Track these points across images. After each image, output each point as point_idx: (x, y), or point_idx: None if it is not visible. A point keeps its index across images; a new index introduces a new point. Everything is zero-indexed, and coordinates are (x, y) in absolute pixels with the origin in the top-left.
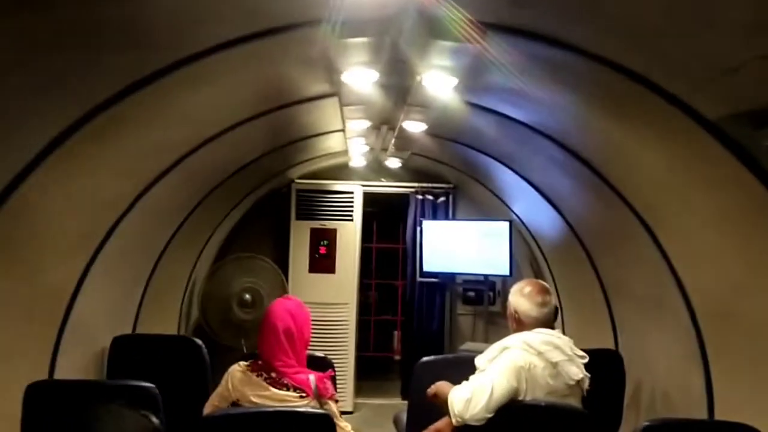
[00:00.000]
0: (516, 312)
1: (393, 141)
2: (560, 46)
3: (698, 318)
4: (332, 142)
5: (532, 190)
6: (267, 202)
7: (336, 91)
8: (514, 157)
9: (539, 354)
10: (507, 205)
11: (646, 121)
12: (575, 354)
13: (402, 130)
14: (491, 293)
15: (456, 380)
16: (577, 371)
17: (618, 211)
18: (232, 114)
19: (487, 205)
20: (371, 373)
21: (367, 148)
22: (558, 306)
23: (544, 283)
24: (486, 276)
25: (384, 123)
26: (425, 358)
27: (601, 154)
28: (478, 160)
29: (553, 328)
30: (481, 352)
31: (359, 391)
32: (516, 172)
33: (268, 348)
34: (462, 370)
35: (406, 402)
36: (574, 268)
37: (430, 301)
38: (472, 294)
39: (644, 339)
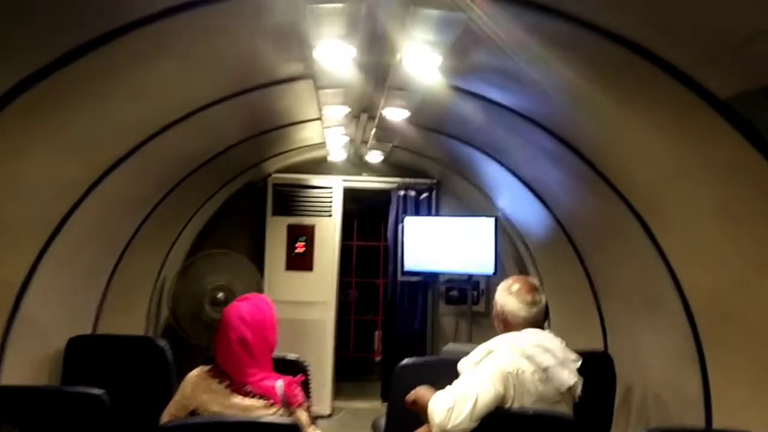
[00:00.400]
0: (503, 311)
1: (373, 132)
2: (559, 16)
3: (695, 317)
4: (309, 133)
5: (519, 184)
6: (242, 196)
7: (310, 73)
8: (502, 149)
9: (528, 357)
10: (492, 201)
11: (650, 100)
12: (567, 357)
13: (383, 119)
14: (475, 293)
15: (438, 384)
16: (569, 376)
17: (611, 205)
18: (197, 94)
19: (471, 200)
20: (351, 374)
21: (347, 139)
22: (548, 305)
23: (534, 280)
24: (470, 275)
25: (363, 111)
26: (406, 361)
27: (595, 144)
28: (462, 152)
29: (543, 328)
30: (464, 354)
31: (338, 393)
32: (503, 165)
33: (224, 361)
34: (445, 373)
35: (386, 405)
36: (562, 266)
37: (412, 301)
38: (455, 293)
39: (636, 340)
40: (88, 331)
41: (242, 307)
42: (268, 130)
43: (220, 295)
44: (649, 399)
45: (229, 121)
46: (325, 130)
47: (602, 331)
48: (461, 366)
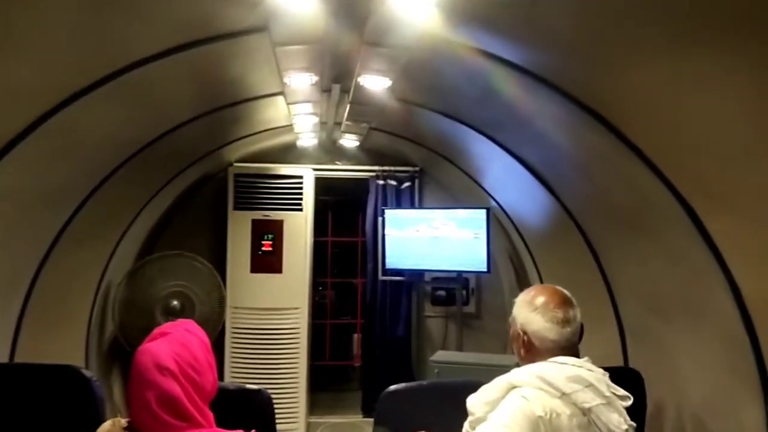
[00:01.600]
0: (525, 333)
1: (348, 108)
2: None
3: (757, 329)
4: (273, 112)
5: (520, 166)
6: (199, 189)
7: (264, 23)
8: (501, 125)
9: (563, 396)
10: (484, 189)
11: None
12: (614, 394)
13: (359, 91)
14: (464, 292)
15: (434, 418)
16: (618, 420)
17: (643, 186)
18: (119, 48)
19: (460, 189)
20: (328, 384)
21: (316, 119)
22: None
23: (564, 291)
24: (459, 273)
25: (335, 81)
26: (393, 388)
27: (629, 107)
28: (452, 132)
29: (578, 354)
30: (455, 363)
31: (314, 407)
32: (500, 145)
33: (144, 428)
34: (441, 403)
35: (367, 420)
36: (569, 263)
37: (395, 303)
38: (442, 293)
39: (668, 353)
40: (5, 356)
41: (160, 351)
42: (224, 107)
43: (175, 303)
44: (687, 425)
45: (170, 91)
46: (290, 107)
47: (621, 342)
48: (472, 406)
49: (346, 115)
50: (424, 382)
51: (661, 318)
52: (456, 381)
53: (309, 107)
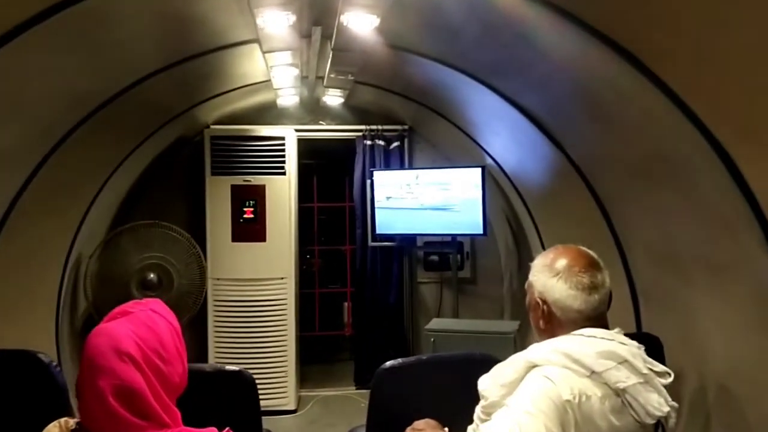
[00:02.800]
0: (545, 302)
1: (331, 57)
2: None
3: None
4: (249, 66)
5: (522, 119)
6: (175, 154)
7: None
8: (501, 69)
9: (593, 375)
10: (480, 146)
11: None
12: (652, 371)
13: (343, 34)
14: (459, 256)
15: (434, 396)
16: (659, 400)
17: (674, 131)
18: None
19: (454, 148)
20: (318, 356)
21: (296, 72)
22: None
23: (589, 251)
24: (453, 236)
25: (316, 23)
26: (389, 364)
27: (659, 40)
28: (445, 82)
29: (607, 325)
30: (452, 331)
31: (305, 380)
32: (499, 93)
33: (95, 423)
34: (442, 379)
35: (361, 392)
36: (574, 222)
37: (386, 269)
38: (435, 258)
39: (688, 317)
40: None
41: (120, 332)
42: (193, 56)
43: (152, 276)
44: (711, 393)
45: (129, 32)
46: (267, 58)
47: (633, 306)
48: (485, 388)
49: (328, 66)
50: (423, 357)
51: (680, 278)
52: (456, 354)
53: (287, 57)
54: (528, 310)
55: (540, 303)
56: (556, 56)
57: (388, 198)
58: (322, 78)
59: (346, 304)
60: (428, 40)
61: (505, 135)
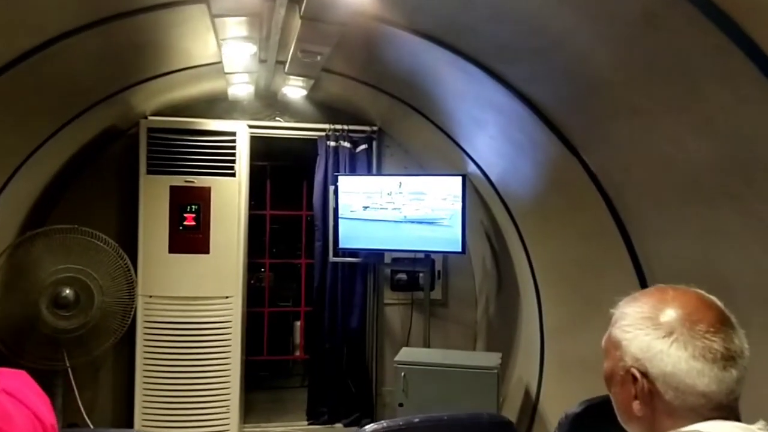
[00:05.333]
0: (644, 374)
1: (299, 28)
2: None
3: None
4: (194, 41)
5: (528, 114)
6: (104, 147)
7: None
8: (516, 52)
9: None
10: (461, 148)
11: None
12: None
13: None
14: (429, 275)
15: None
16: None
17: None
18: None
19: (428, 151)
20: (266, 383)
21: (254, 50)
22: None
23: (712, 298)
24: (427, 253)
25: None
26: (370, 428)
27: None
28: (432, 68)
29: (739, 417)
30: (424, 365)
31: (249, 411)
32: (505, 83)
33: None
34: None
35: (314, 428)
36: (580, 242)
37: (348, 288)
38: (403, 277)
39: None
40: None
41: None
42: (120, 15)
43: (67, 292)
44: None
45: None
46: (217, 26)
47: None
48: None
49: (293, 42)
50: (414, 419)
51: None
52: (458, 416)
53: (243, 26)
54: (608, 383)
55: (636, 376)
56: (593, 31)
57: (352, 210)
58: (284, 63)
59: (298, 323)
60: (427, 13)
61: (498, 136)
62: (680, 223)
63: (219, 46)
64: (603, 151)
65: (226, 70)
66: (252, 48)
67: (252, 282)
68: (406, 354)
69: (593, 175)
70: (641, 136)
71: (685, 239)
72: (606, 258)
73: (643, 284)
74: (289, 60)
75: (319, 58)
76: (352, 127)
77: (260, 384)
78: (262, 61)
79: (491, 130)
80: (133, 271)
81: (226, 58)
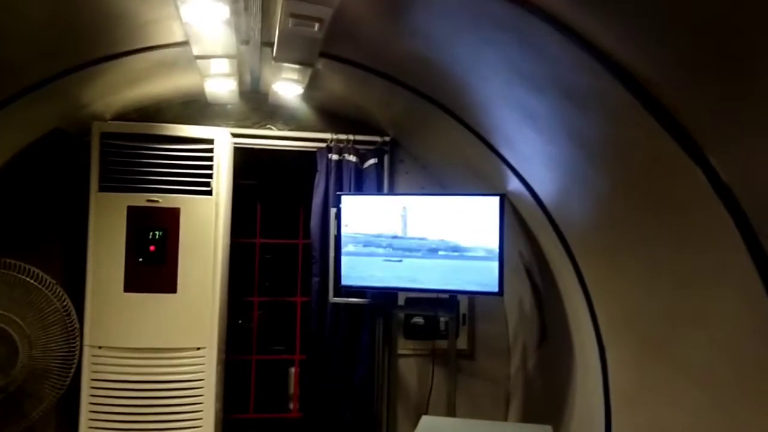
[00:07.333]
0: None
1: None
2: None
3: None
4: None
5: (619, 89)
6: (44, 155)
7: None
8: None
9: None
10: (500, 156)
11: None
12: None
13: None
14: (455, 320)
15: None
16: None
17: None
18: None
19: (456, 165)
20: None
21: (225, 14)
22: None
23: None
24: (453, 293)
25: None
26: None
27: None
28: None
29: None
30: None
31: None
32: (577, 37)
33: None
34: None
35: None
36: (674, 284)
37: (352, 334)
38: (419, 321)
39: None
40: None
41: None
42: None
43: None
44: None
45: None
46: None
47: None
48: None
49: (280, 16)
50: None
51: None
52: None
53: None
54: None
55: None
56: None
57: (357, 239)
58: (271, 45)
59: (292, 369)
60: None
61: (559, 131)
62: None
63: (177, 6)
64: (748, 151)
65: (195, 52)
66: (223, 11)
67: (240, 323)
68: (427, 428)
69: (724, 187)
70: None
71: None
72: (716, 308)
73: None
74: (277, 36)
75: (317, 27)
76: (359, 137)
77: None
78: (243, 42)
79: (549, 122)
80: (75, 316)
81: (191, 29)
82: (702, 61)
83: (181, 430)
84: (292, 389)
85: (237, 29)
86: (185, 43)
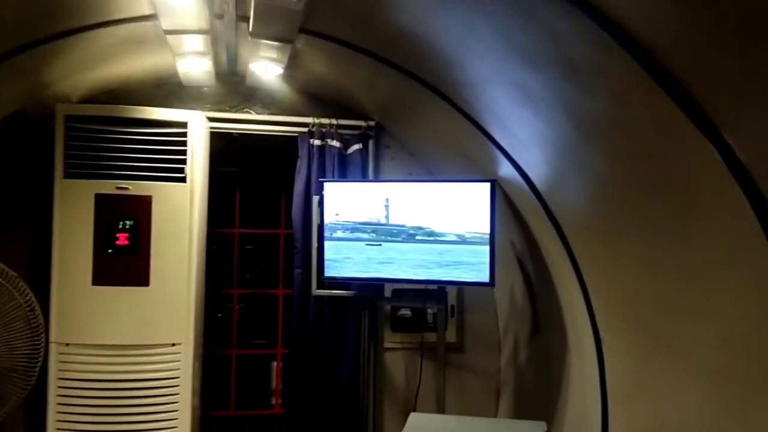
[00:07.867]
0: None
1: None
2: None
3: None
4: None
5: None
6: (3, 140)
7: None
8: None
9: None
10: (492, 139)
11: None
12: None
13: None
14: (443, 312)
15: None
16: None
17: None
18: None
19: (445, 151)
20: None
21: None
22: None
23: None
24: (441, 284)
25: None
26: None
27: None
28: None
29: None
30: None
31: None
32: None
33: None
34: None
35: None
36: (679, 274)
37: (336, 328)
38: (406, 313)
39: None
40: None
41: None
42: None
43: None
44: None
45: None
46: None
47: None
48: None
49: None
50: None
51: None
52: None
53: None
54: None
55: None
56: None
57: (341, 227)
58: (247, 20)
59: (275, 364)
60: None
61: (560, 109)
62: None
63: None
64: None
65: (164, 26)
66: None
67: (219, 316)
68: (416, 423)
69: (740, 167)
70: None
71: None
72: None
73: None
74: (253, 9)
75: (294, 23)
76: (342, 122)
77: None
78: (217, 16)
79: (547, 102)
80: (40, 312)
81: (164, 11)
82: (721, 29)
83: (156, 430)
84: (274, 384)
85: (209, 1)
86: (153, 17)
